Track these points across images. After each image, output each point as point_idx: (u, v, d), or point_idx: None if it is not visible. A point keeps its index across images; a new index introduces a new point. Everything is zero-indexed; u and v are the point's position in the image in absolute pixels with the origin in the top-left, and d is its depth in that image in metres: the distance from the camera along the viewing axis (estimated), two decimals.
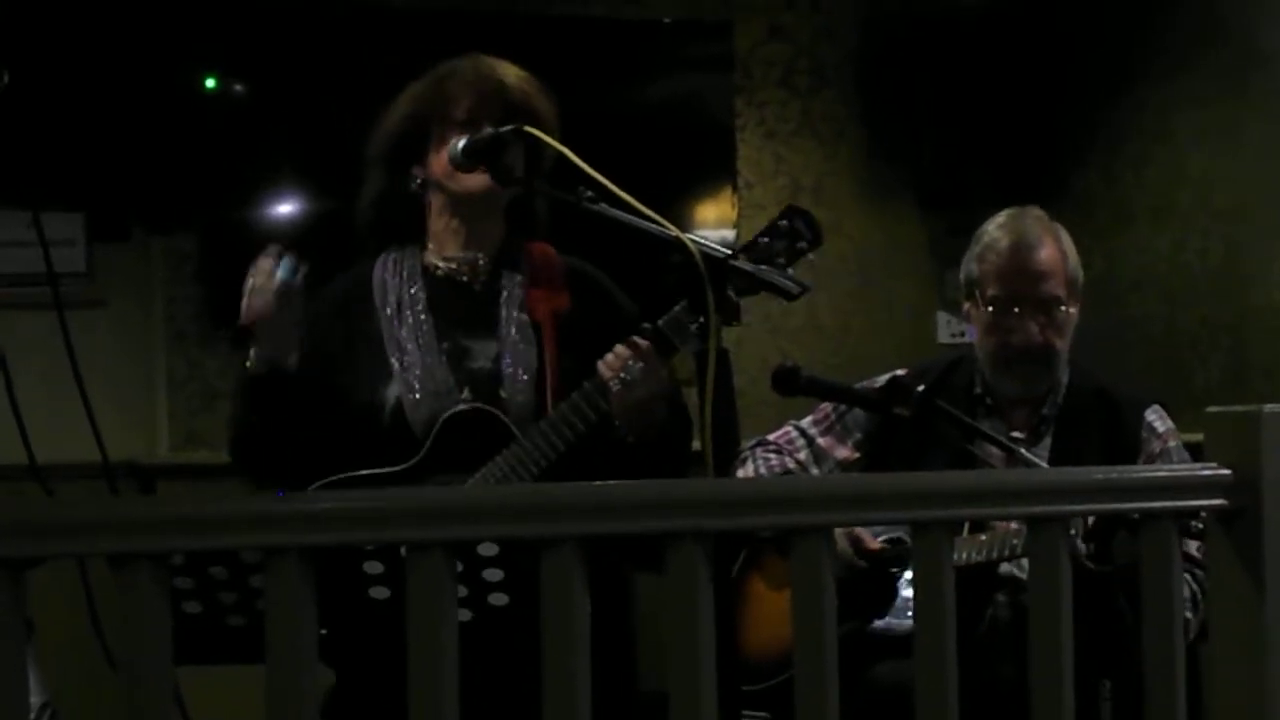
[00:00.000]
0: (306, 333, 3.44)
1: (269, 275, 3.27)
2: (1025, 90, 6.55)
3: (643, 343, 3.27)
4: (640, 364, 3.27)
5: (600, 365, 3.30)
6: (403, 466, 3.32)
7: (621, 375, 3.27)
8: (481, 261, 3.52)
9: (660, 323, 3.27)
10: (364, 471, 3.31)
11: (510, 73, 3.53)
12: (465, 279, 3.51)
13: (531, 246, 3.55)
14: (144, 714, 2.18)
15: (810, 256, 3.28)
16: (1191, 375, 6.33)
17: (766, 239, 3.21)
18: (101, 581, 3.31)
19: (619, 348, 3.28)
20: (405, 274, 3.52)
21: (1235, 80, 6.25)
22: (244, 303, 3.30)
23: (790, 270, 3.20)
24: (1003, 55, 6.53)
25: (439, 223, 3.53)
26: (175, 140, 6.07)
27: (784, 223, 3.23)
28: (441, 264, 3.52)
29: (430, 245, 3.54)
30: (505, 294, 3.50)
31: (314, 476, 3.30)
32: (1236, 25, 6.23)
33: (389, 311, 3.48)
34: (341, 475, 3.30)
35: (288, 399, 3.35)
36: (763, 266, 3.12)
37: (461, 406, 3.37)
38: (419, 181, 3.52)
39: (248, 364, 3.35)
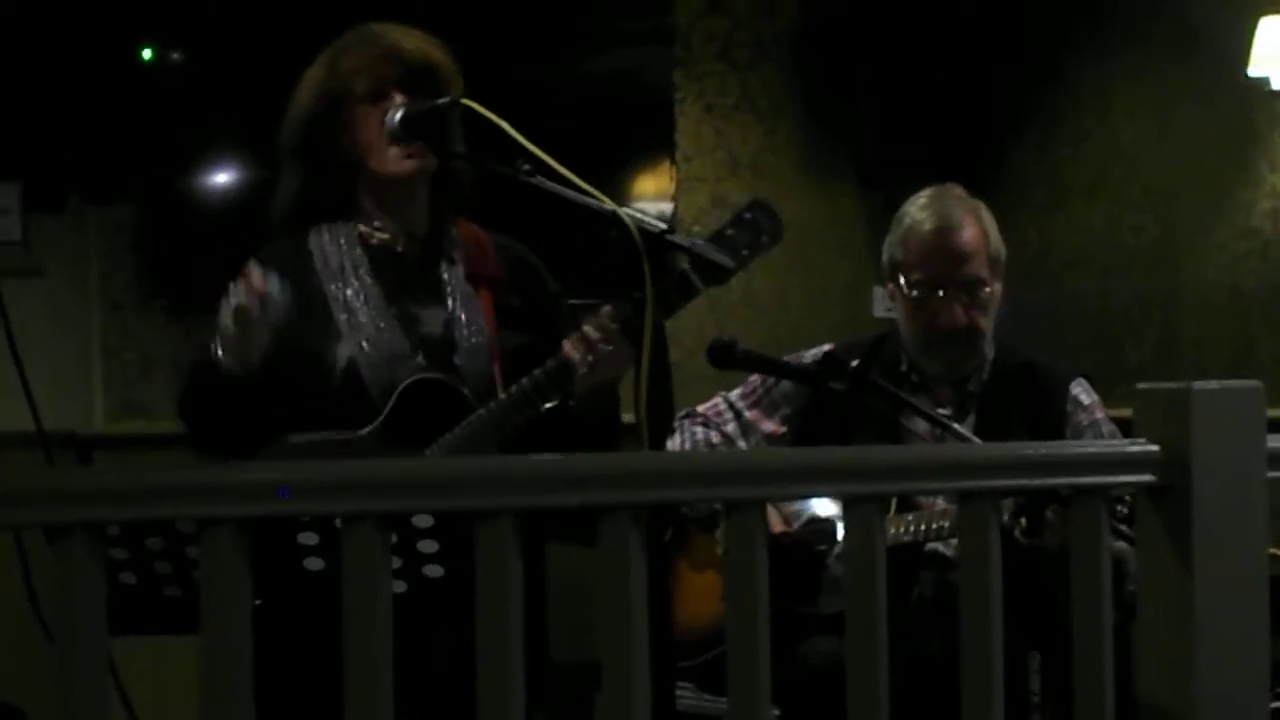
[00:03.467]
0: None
1: (263, 304, 3.20)
2: (963, 67, 6.57)
3: (612, 326, 3.26)
4: (609, 347, 3.26)
5: (567, 345, 3.28)
6: (358, 433, 3.30)
7: (589, 358, 3.26)
8: (411, 234, 3.50)
9: (628, 306, 3.24)
10: (316, 436, 3.29)
11: (402, 35, 3.50)
12: (401, 249, 3.50)
13: (462, 229, 3.54)
14: (78, 685, 2.18)
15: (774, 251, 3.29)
16: (1125, 351, 6.38)
17: (731, 231, 3.21)
18: (37, 551, 3.31)
19: (588, 330, 3.27)
20: (343, 242, 3.49)
21: (1169, 60, 6.29)
22: (234, 333, 3.24)
23: (752, 263, 3.22)
24: (941, 32, 6.55)
25: (365, 201, 3.50)
26: (112, 110, 6.03)
27: (747, 215, 3.23)
28: (375, 235, 3.50)
29: (361, 219, 3.51)
30: (445, 271, 3.49)
31: (263, 437, 3.28)
32: (1171, 5, 6.27)
33: (332, 274, 3.45)
34: (295, 438, 3.28)
35: (249, 390, 3.32)
36: (698, 242, 3.14)
37: (422, 376, 3.35)
38: (341, 167, 3.47)
39: (215, 361, 3.29)
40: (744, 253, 3.19)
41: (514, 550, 2.27)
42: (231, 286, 3.22)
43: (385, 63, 3.43)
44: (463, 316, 3.45)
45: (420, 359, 3.39)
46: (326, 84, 3.47)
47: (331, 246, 3.47)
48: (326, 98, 3.46)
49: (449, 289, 3.47)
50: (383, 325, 3.40)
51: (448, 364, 3.40)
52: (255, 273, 3.20)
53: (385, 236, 3.49)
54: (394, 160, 3.40)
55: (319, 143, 3.47)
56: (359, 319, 3.40)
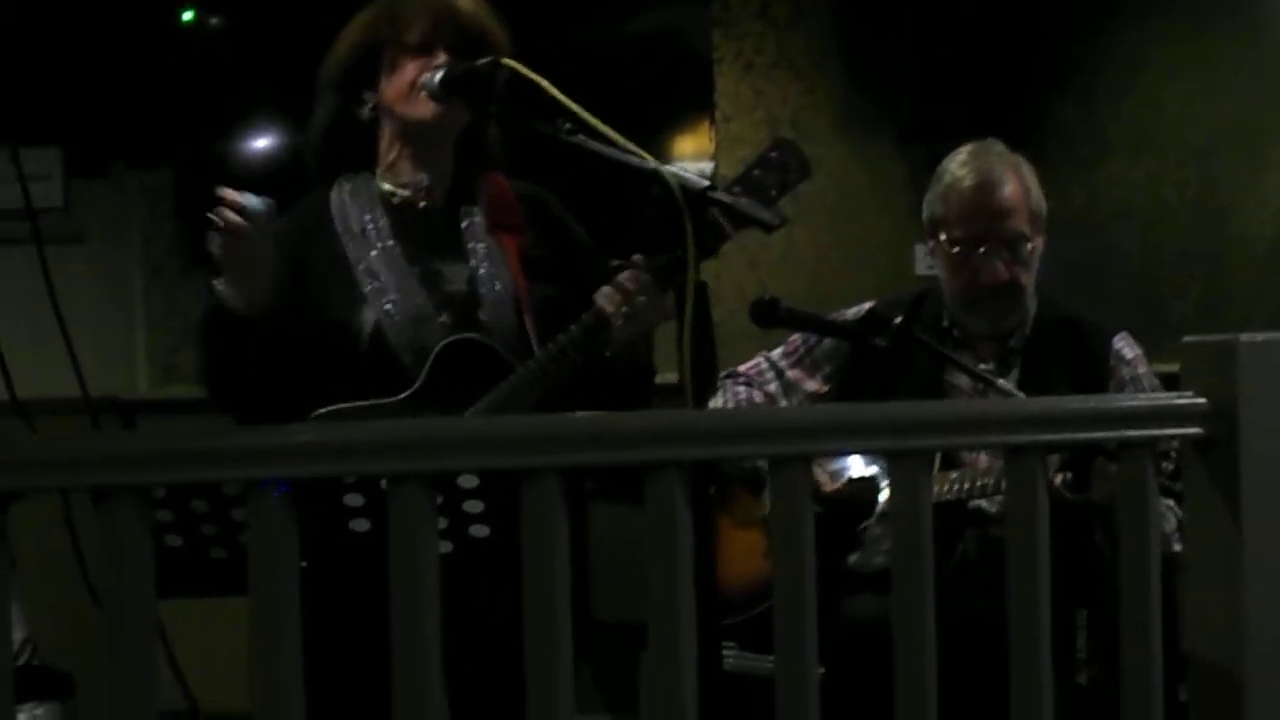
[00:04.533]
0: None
1: (245, 214, 3.20)
2: (1004, 23, 6.52)
3: (645, 276, 3.27)
4: (643, 297, 3.27)
5: (600, 299, 3.28)
6: (399, 398, 3.30)
7: (624, 310, 3.27)
8: (434, 187, 3.50)
9: (660, 257, 3.25)
10: (359, 404, 3.28)
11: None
12: (423, 204, 3.50)
13: (487, 180, 3.54)
14: (127, 648, 2.19)
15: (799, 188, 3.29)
16: (1169, 306, 6.36)
17: (758, 171, 3.21)
18: (84, 516, 3.32)
19: (621, 281, 3.28)
20: (364, 201, 3.49)
21: (1211, 14, 6.26)
22: (226, 252, 3.23)
23: (780, 203, 3.21)
24: None
25: (391, 150, 3.50)
26: (152, 74, 6.03)
27: (774, 154, 3.22)
28: (397, 190, 3.50)
29: (383, 172, 3.51)
30: (466, 223, 3.49)
31: (294, 407, 3.27)
32: None
33: (353, 237, 3.45)
34: (335, 407, 3.27)
35: (262, 335, 3.31)
36: (741, 198, 3.13)
37: (457, 337, 3.35)
38: (371, 107, 3.49)
39: (222, 301, 3.29)
40: (772, 193, 3.18)
41: (560, 508, 2.27)
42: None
43: (441, 20, 3.44)
44: (485, 270, 3.44)
45: (445, 318, 3.39)
46: (376, 24, 3.48)
47: (353, 209, 3.47)
48: (373, 37, 3.47)
49: (471, 243, 3.47)
50: (406, 286, 3.39)
51: (473, 320, 3.39)
52: (227, 192, 3.20)
53: (407, 194, 3.48)
54: (421, 103, 3.40)
55: (355, 79, 3.48)
56: (382, 282, 3.39)
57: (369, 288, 3.39)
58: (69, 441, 2.22)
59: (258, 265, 3.24)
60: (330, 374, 3.35)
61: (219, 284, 3.26)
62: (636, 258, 3.28)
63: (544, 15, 3.55)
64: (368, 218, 3.46)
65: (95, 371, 4.08)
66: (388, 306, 3.38)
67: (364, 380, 3.33)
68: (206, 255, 3.26)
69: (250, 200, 3.18)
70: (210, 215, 3.20)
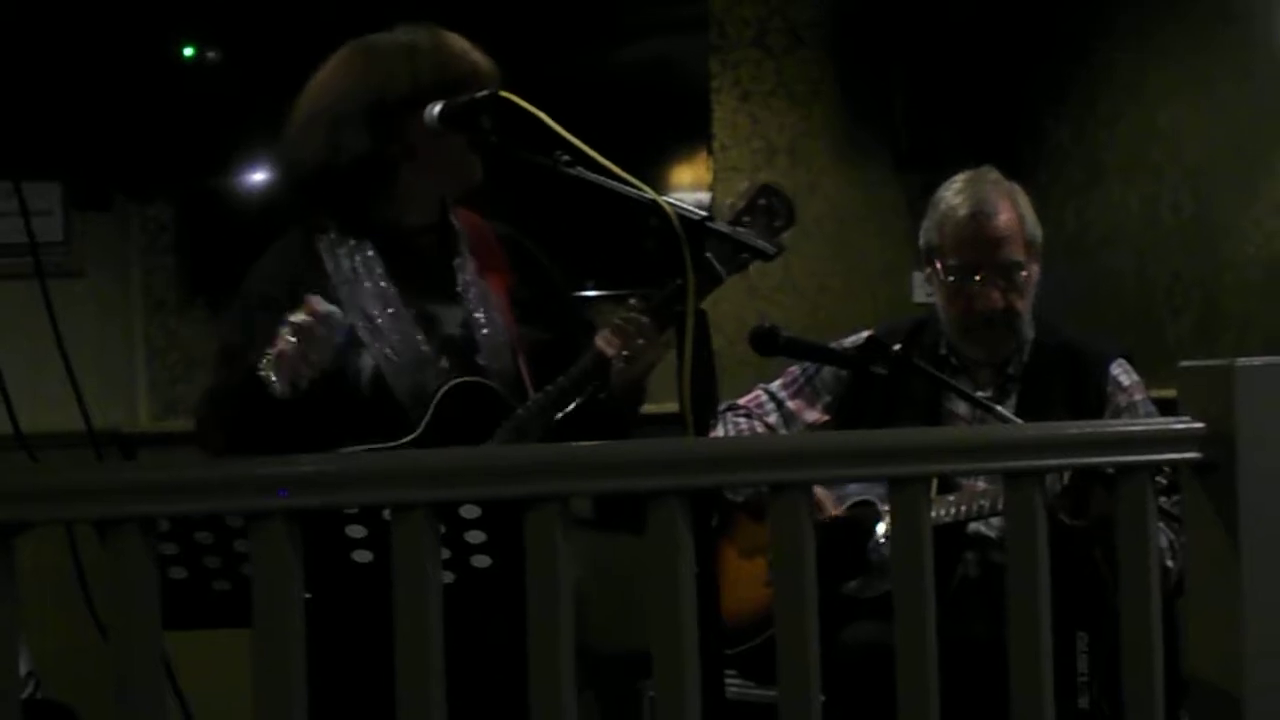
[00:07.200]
0: (262, 309, 3.40)
1: (326, 324, 3.20)
2: (998, 49, 6.55)
3: (644, 319, 3.29)
4: (642, 340, 3.29)
5: (600, 342, 3.30)
6: (402, 441, 3.30)
7: (625, 353, 3.29)
8: (420, 224, 3.51)
9: (657, 299, 3.27)
10: (361, 449, 3.28)
11: (470, 49, 3.48)
12: (410, 241, 3.50)
13: (459, 216, 3.55)
14: (132, 680, 2.19)
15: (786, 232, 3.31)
16: (1164, 329, 6.36)
17: (746, 218, 3.24)
18: (89, 548, 3.33)
19: (619, 325, 3.30)
20: (353, 242, 3.48)
21: (1205, 36, 6.27)
22: (294, 349, 3.22)
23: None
24: (976, 14, 6.53)
25: (398, 189, 3.49)
26: (152, 109, 6.04)
27: (762, 201, 3.25)
28: (396, 226, 3.50)
29: (377, 210, 3.50)
30: (457, 263, 3.50)
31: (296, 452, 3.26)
32: None
33: (345, 279, 3.45)
34: (341, 452, 3.28)
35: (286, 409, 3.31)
36: (738, 228, 3.15)
37: (460, 380, 3.36)
38: (402, 150, 3.47)
39: (269, 388, 3.27)
40: (760, 240, 3.21)
41: (563, 536, 2.28)
42: (283, 319, 3.21)
43: (472, 82, 3.41)
44: (480, 315, 3.45)
45: (444, 362, 3.40)
46: (421, 77, 3.41)
47: (341, 249, 3.46)
48: (414, 90, 3.41)
49: (463, 286, 3.47)
50: (404, 329, 3.40)
51: (472, 364, 3.40)
52: (317, 302, 3.20)
53: (396, 230, 3.48)
54: (473, 166, 3.42)
55: (386, 123, 3.43)
56: (378, 325, 3.40)
57: (365, 329, 3.40)
58: (74, 473, 2.23)
59: (317, 365, 3.24)
60: (331, 418, 3.35)
61: (267, 370, 3.25)
62: (633, 301, 3.31)
63: (539, 45, 3.55)
64: (358, 259, 3.45)
65: (96, 405, 4.08)
66: (387, 350, 3.39)
67: (364, 424, 3.33)
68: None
69: (334, 312, 3.20)
70: (293, 319, 3.20)
